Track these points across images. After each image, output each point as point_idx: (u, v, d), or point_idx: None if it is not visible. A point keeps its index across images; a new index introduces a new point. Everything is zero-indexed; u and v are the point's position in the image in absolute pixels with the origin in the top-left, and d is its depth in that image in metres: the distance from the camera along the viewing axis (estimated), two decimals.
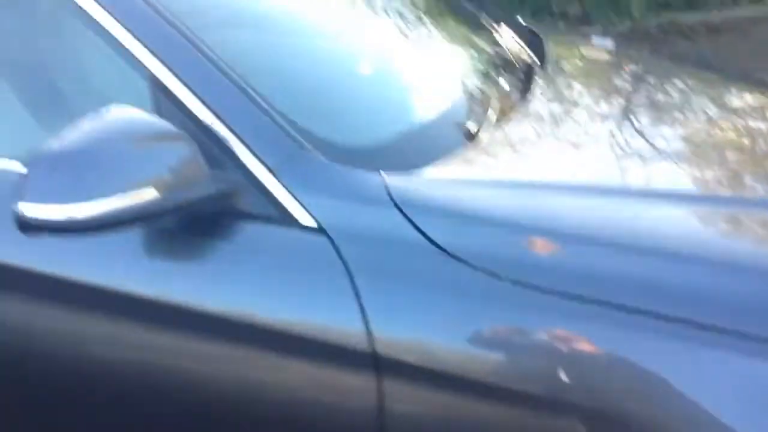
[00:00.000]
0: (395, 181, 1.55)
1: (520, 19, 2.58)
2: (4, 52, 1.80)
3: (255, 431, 1.56)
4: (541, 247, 1.48)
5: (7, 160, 1.65)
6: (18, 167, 1.60)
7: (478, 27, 2.40)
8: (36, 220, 1.39)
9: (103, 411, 1.63)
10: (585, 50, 2.63)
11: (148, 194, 1.43)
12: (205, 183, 1.51)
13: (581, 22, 5.85)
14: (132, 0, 1.66)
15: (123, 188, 1.41)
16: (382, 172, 1.56)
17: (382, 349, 1.44)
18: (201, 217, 1.54)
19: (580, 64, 2.50)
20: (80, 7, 1.64)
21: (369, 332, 1.44)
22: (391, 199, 1.52)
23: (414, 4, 2.34)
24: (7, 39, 1.80)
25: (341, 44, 2.03)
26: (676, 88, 2.40)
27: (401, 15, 2.23)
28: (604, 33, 5.61)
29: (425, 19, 2.29)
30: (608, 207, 1.58)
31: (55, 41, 1.78)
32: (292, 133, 1.57)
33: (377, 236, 1.51)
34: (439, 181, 1.61)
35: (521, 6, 5.77)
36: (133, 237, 1.54)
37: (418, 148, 1.70)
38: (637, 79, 2.40)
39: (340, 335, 1.47)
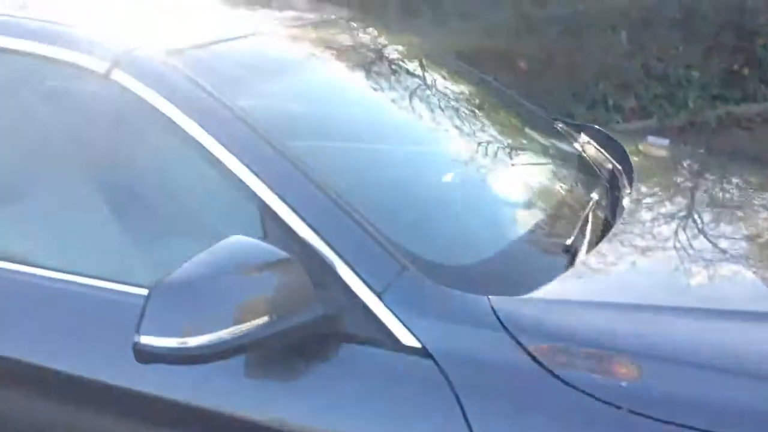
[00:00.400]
0: (502, 302, 1.55)
1: (597, 127, 2.61)
2: (113, 177, 1.85)
3: None
4: (654, 374, 1.46)
5: (126, 286, 1.68)
6: (131, 291, 1.64)
7: (559, 136, 2.43)
8: (152, 350, 1.41)
9: None
10: (645, 150, 2.62)
11: (258, 321, 1.45)
12: (312, 306, 1.52)
13: (637, 116, 5.89)
14: (235, 124, 1.71)
15: (236, 319, 1.43)
16: (488, 295, 1.56)
17: None
18: (306, 339, 1.55)
19: (653, 169, 2.49)
20: (187, 133, 1.70)
21: None
22: (499, 321, 1.52)
23: (493, 118, 2.37)
24: (115, 165, 1.86)
25: (442, 161, 2.06)
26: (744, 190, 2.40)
27: (485, 128, 2.27)
28: (661, 126, 5.64)
29: (511, 132, 2.32)
30: (716, 329, 1.55)
31: (162, 165, 1.83)
32: (396, 254, 1.59)
33: (485, 359, 1.50)
34: (546, 302, 1.60)
35: (576, 100, 5.84)
36: (238, 359, 1.55)
37: (522, 268, 1.70)
38: (707, 184, 2.41)
39: None
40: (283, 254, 1.51)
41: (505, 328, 1.51)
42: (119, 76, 1.78)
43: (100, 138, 1.86)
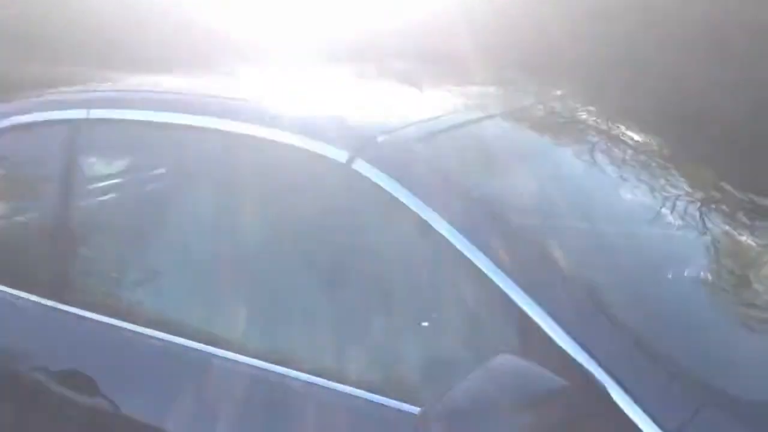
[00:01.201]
0: None
1: None
2: (351, 269, 1.80)
3: None
4: None
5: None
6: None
7: None
8: None
9: None
10: None
11: None
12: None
13: None
14: (485, 221, 1.63)
15: None
16: None
17: None
18: None
19: None
20: (432, 226, 1.63)
21: None
22: None
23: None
24: (354, 255, 1.81)
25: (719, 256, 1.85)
26: None
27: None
28: None
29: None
30: None
31: (406, 259, 1.76)
32: (694, 390, 1.41)
33: None
34: None
35: None
36: None
37: None
38: None
39: None
40: (561, 382, 1.38)
41: None
42: (360, 165, 1.75)
43: (340, 227, 1.82)
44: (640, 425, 1.36)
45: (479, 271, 1.56)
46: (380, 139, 1.81)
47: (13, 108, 2.27)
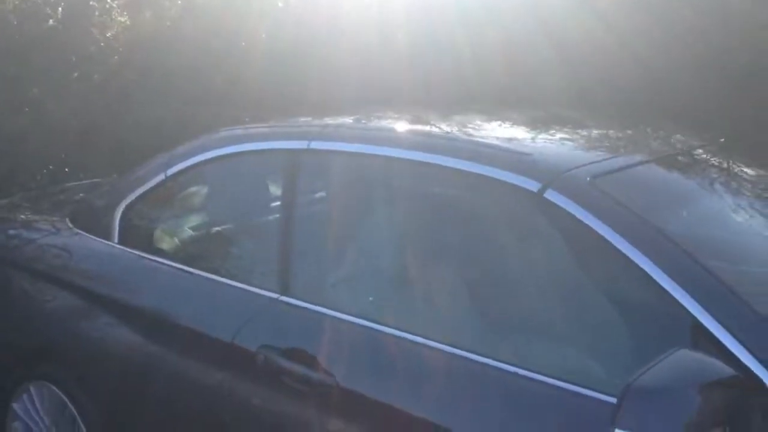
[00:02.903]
0: None
1: None
2: (545, 288, 2.11)
3: None
4: None
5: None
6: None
7: None
8: None
9: None
10: None
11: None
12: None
13: None
14: (665, 245, 1.91)
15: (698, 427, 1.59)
16: None
17: None
18: None
19: None
20: (620, 251, 1.92)
21: None
22: None
23: None
24: (546, 278, 2.12)
25: None
26: None
27: None
28: None
29: None
30: None
31: (595, 282, 2.06)
32: None
33: None
34: None
35: None
36: None
37: None
38: None
39: None
40: (731, 371, 1.66)
41: None
42: (552, 195, 2.06)
43: (531, 253, 2.13)
44: None
45: (660, 287, 1.84)
46: (570, 172, 2.13)
47: (245, 136, 2.71)
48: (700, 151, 2.55)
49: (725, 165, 2.52)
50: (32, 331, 2.91)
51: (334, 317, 2.25)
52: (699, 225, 2.14)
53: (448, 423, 2.01)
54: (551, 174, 2.12)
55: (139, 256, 2.77)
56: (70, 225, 3.02)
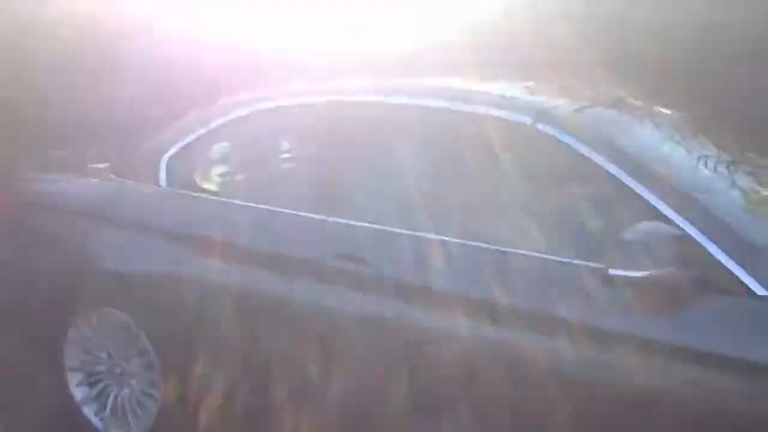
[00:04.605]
0: None
1: None
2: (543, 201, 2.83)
3: None
4: None
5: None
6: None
7: None
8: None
9: None
10: None
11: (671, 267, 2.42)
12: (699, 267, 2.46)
13: None
14: (634, 158, 2.71)
15: (661, 264, 2.41)
16: None
17: None
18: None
19: None
20: (600, 166, 2.68)
21: None
22: None
23: None
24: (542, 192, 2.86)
25: None
26: None
27: None
28: None
29: None
30: None
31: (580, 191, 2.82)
32: (745, 237, 2.52)
33: None
34: None
35: None
36: None
37: None
38: None
39: None
40: (678, 231, 2.48)
41: None
42: (543, 126, 2.80)
43: (526, 169, 2.86)
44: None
45: (629, 187, 2.62)
46: (555, 109, 2.89)
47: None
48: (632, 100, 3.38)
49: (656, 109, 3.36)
50: (99, 265, 3.42)
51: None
52: (645, 146, 2.94)
53: (469, 292, 2.74)
54: (539, 111, 2.87)
55: (189, 194, 3.35)
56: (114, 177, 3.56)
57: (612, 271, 2.45)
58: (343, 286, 2.92)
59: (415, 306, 2.80)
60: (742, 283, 2.43)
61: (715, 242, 2.49)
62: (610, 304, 2.51)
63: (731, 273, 2.45)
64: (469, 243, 2.79)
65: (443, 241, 2.81)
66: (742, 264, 2.45)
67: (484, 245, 2.76)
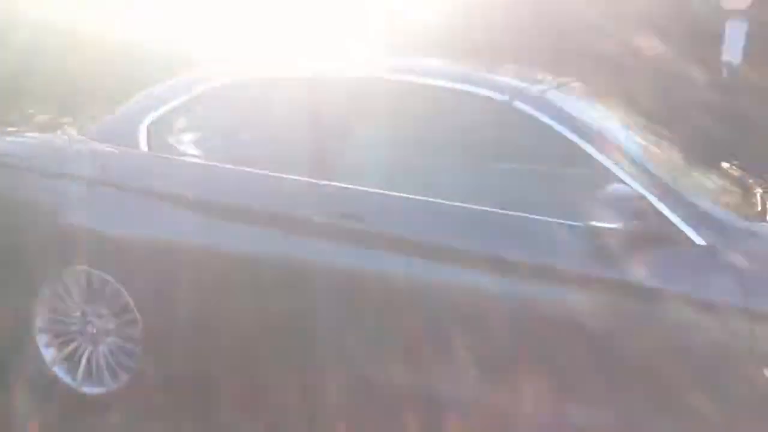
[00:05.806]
0: None
1: None
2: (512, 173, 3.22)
3: None
4: None
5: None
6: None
7: None
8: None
9: None
10: None
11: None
12: (649, 221, 2.88)
13: None
14: (600, 133, 3.10)
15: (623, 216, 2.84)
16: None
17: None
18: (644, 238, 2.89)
19: None
20: (573, 142, 3.05)
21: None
22: None
23: None
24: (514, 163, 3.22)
25: None
26: None
27: None
28: None
29: None
30: None
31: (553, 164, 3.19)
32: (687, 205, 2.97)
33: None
34: None
35: None
36: None
37: None
38: None
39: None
40: (642, 192, 2.90)
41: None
42: (518, 105, 3.15)
43: (502, 144, 3.21)
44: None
45: (595, 159, 3.01)
46: (527, 89, 3.25)
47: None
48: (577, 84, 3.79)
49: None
50: (82, 225, 3.48)
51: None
52: (595, 119, 3.36)
53: (466, 245, 3.07)
54: (515, 89, 3.23)
55: (169, 157, 3.50)
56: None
57: (591, 224, 2.87)
58: (334, 243, 3.17)
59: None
60: (685, 234, 2.90)
61: (664, 202, 2.94)
62: (590, 252, 2.93)
63: (677, 226, 2.92)
64: (457, 204, 3.12)
65: (430, 201, 3.14)
66: (685, 219, 2.92)
67: (469, 206, 3.10)
